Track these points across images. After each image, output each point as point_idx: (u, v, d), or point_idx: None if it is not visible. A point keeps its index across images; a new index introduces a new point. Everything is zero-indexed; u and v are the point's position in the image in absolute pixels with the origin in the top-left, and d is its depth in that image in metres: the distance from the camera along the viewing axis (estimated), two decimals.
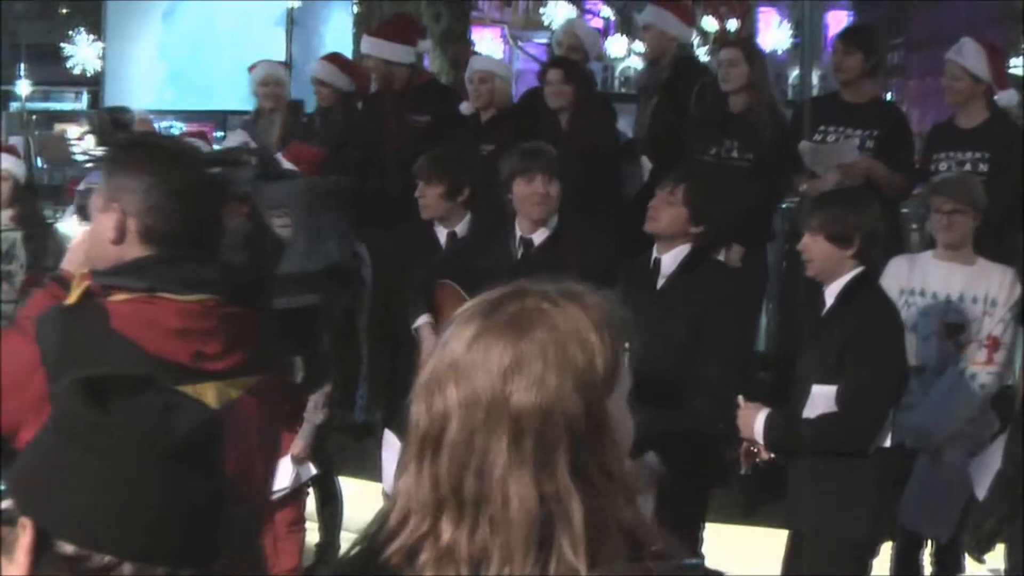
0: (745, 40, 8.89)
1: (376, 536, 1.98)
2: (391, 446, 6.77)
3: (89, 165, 16.35)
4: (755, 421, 5.21)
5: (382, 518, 2.00)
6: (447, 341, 1.96)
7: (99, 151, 3.79)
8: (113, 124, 4.52)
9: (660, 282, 5.75)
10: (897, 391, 5.37)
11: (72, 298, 3.08)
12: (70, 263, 3.35)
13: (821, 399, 5.15)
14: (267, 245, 5.54)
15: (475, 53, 11.37)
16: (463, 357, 1.91)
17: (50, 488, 1.87)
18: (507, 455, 1.85)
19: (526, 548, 1.84)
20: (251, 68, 9.81)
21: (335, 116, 9.13)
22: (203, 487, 1.92)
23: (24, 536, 1.87)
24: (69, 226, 3.48)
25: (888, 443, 5.29)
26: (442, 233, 6.91)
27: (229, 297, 3.19)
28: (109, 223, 3.14)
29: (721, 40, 9.96)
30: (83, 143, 4.46)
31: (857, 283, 5.31)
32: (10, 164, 8.27)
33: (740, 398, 5.30)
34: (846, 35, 7.94)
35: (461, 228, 6.89)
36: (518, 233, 6.26)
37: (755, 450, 5.33)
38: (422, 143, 8.04)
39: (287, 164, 7.67)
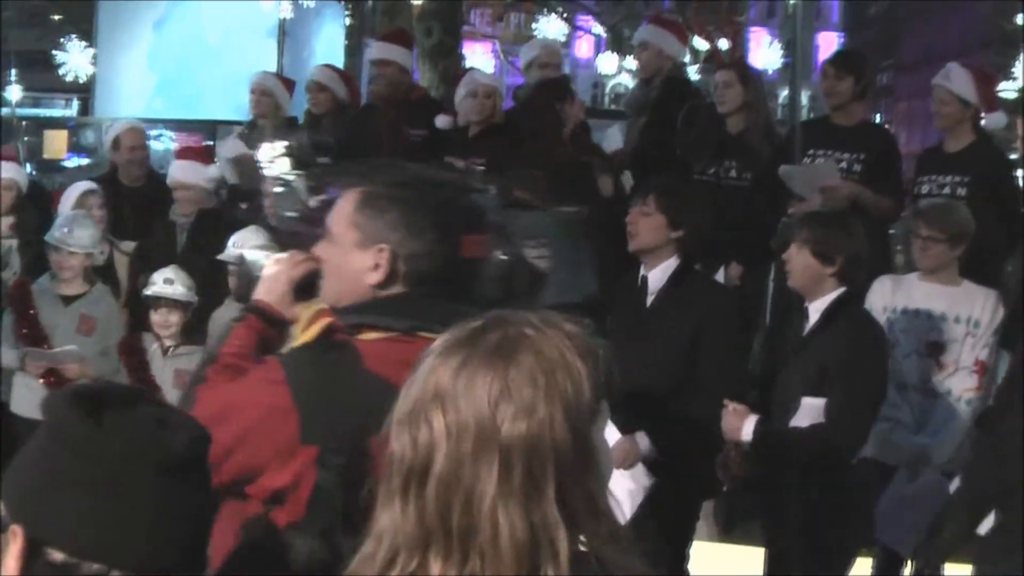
0: (739, 61, 8.93)
1: None
2: None
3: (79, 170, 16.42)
4: (744, 424, 5.26)
5: (365, 560, 1.92)
6: (427, 372, 1.90)
7: (293, 175, 3.73)
8: (313, 148, 4.50)
9: (649, 300, 5.79)
10: (879, 405, 5.50)
11: (309, 335, 2.96)
12: (269, 295, 3.22)
13: (811, 411, 5.22)
14: (524, 277, 5.34)
15: (469, 68, 11.32)
16: (449, 386, 1.87)
17: (42, 496, 1.89)
18: (496, 485, 1.81)
19: None
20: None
21: (323, 125, 9.10)
22: (195, 500, 1.94)
23: (14, 543, 1.88)
24: (256, 254, 3.30)
25: (869, 453, 5.39)
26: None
27: None
28: (367, 261, 2.98)
29: (716, 61, 9.97)
30: (275, 166, 4.47)
31: (840, 303, 5.41)
32: (14, 173, 8.26)
33: (727, 401, 5.34)
34: (836, 59, 7.95)
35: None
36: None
37: (733, 460, 5.41)
38: (416, 157, 8.08)
39: None
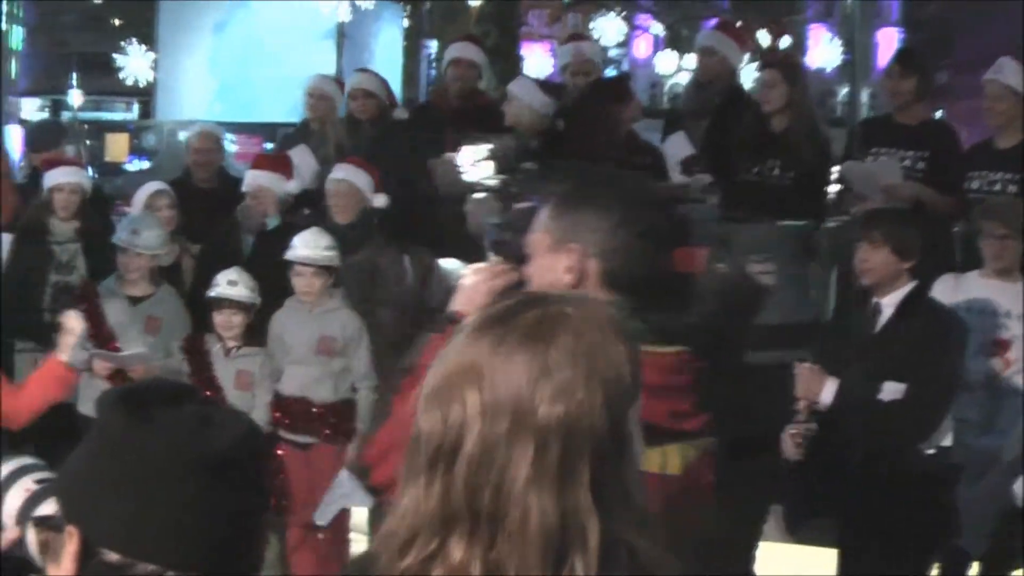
0: (785, 60, 8.86)
1: (379, 558, 1.84)
2: None
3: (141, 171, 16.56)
4: (824, 384, 5.26)
5: (387, 537, 1.85)
6: (461, 348, 1.83)
7: (496, 179, 3.66)
8: (518, 152, 4.47)
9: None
10: (955, 394, 5.55)
11: None
12: (467, 304, 3.10)
13: (892, 394, 5.23)
14: (745, 293, 5.16)
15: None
16: (485, 363, 1.79)
17: (92, 496, 1.88)
18: (530, 468, 1.73)
19: (542, 567, 1.73)
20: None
21: (365, 129, 9.07)
22: (246, 498, 1.91)
23: (70, 543, 1.88)
24: (451, 263, 3.22)
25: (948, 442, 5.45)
26: None
27: (700, 350, 2.92)
28: (563, 264, 2.88)
29: (763, 59, 9.92)
30: (478, 170, 4.44)
31: (914, 297, 5.46)
32: (79, 177, 8.32)
33: (799, 364, 5.35)
34: (902, 58, 7.92)
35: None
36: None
37: (800, 432, 5.39)
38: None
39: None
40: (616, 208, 2.89)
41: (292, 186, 8.10)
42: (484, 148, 3.55)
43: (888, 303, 5.47)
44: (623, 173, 3.17)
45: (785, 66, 8.33)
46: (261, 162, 8.47)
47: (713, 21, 18.29)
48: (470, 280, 3.21)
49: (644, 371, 2.65)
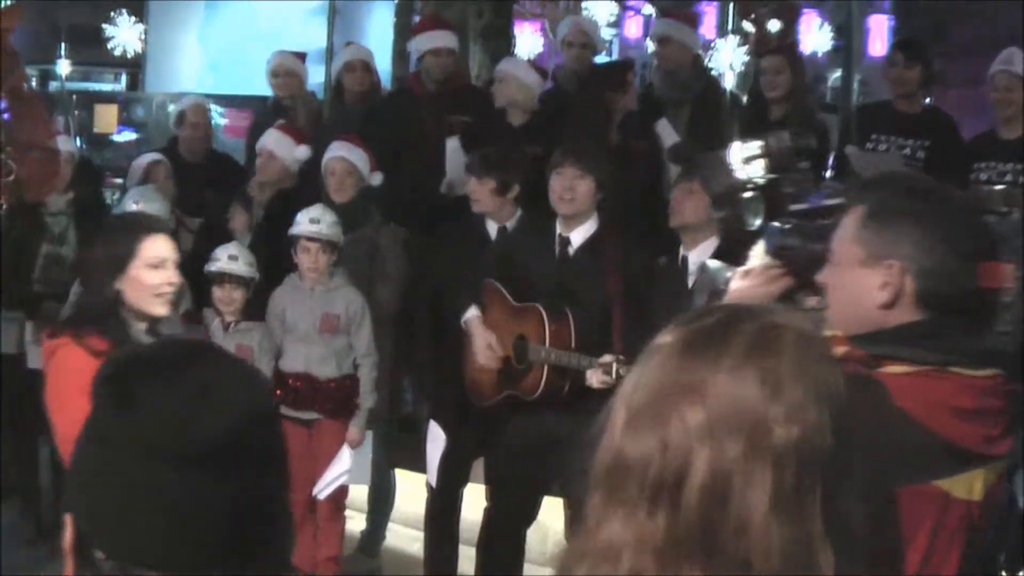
0: (789, 47, 8.85)
1: None
2: (436, 439, 6.80)
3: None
4: None
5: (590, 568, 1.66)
6: (671, 363, 1.67)
7: (766, 178, 3.56)
8: (794, 150, 4.39)
9: (690, 280, 5.83)
10: None
11: None
12: None
13: None
14: None
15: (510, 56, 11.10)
16: (708, 380, 1.63)
17: (79, 487, 1.76)
18: (770, 495, 1.58)
19: None
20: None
21: (349, 106, 9.01)
22: (246, 486, 1.72)
23: (67, 533, 1.76)
24: (717, 264, 3.03)
25: None
26: (493, 228, 6.94)
27: (1011, 371, 2.78)
28: (874, 280, 2.74)
29: (764, 46, 9.90)
30: (750, 168, 4.36)
31: None
32: (67, 146, 8.30)
33: None
34: (905, 47, 7.92)
35: (512, 224, 6.92)
36: (557, 231, 6.32)
37: None
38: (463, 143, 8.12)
39: None
40: (940, 223, 2.75)
41: (302, 152, 8.05)
42: (755, 145, 3.34)
43: None
44: (938, 184, 3.01)
45: (789, 52, 8.33)
46: (282, 128, 8.38)
47: (710, 2, 18.29)
48: (739, 284, 3.10)
49: (960, 395, 2.55)
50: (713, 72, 9.25)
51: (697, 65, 8.73)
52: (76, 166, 8.26)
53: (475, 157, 7.09)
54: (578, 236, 6.33)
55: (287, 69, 9.25)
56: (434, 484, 6.96)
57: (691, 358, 1.66)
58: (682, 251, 6.03)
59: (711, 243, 5.92)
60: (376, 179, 7.74)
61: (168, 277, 4.61)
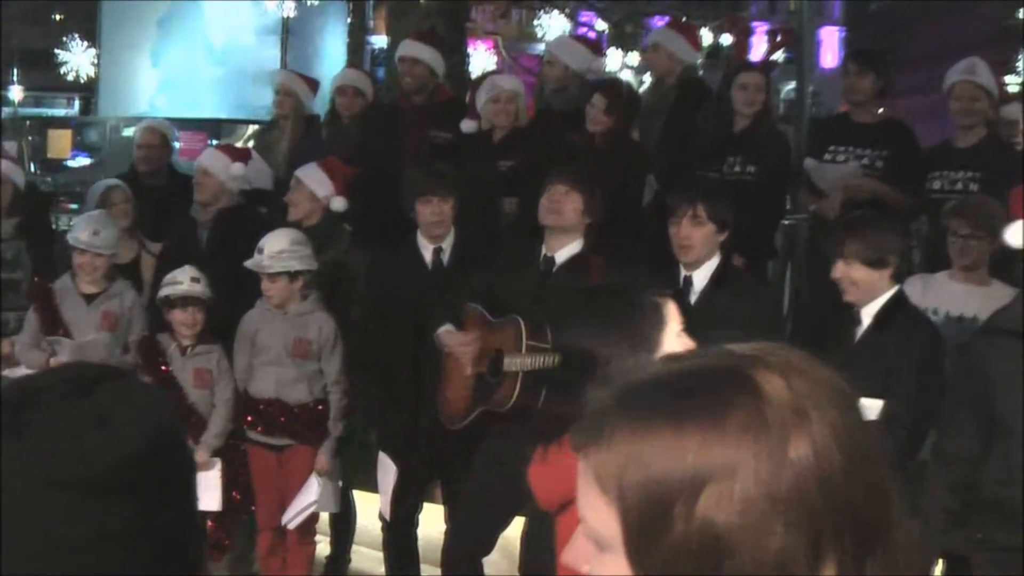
0: (768, 66, 8.91)
1: None
2: (387, 470, 6.73)
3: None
4: None
5: None
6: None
7: None
8: None
9: (693, 298, 5.80)
10: (940, 402, 5.38)
11: None
12: None
13: (869, 412, 5.18)
14: None
15: (491, 72, 11.20)
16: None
17: None
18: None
19: None
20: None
21: (346, 127, 9.07)
22: (129, 520, 1.63)
23: None
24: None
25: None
26: (427, 249, 6.85)
27: None
28: None
29: (741, 63, 9.90)
30: None
31: (894, 303, 5.42)
32: (8, 169, 8.24)
33: None
34: (858, 57, 7.93)
35: (447, 244, 6.85)
36: (543, 251, 6.29)
37: None
38: (442, 159, 8.11)
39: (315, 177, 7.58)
40: None
41: (236, 168, 7.99)
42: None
43: (867, 313, 5.44)
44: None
45: (766, 71, 8.34)
46: (221, 147, 8.45)
47: (662, 19, 18.34)
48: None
49: None
50: (699, 84, 9.18)
51: (682, 77, 8.73)
52: (22, 191, 8.21)
53: (420, 176, 7.05)
54: (562, 255, 6.30)
55: (286, 88, 9.28)
56: (388, 516, 6.85)
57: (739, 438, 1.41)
58: (683, 272, 5.97)
59: (713, 262, 5.89)
60: (337, 204, 7.68)
61: None
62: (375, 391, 7.00)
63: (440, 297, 6.47)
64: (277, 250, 6.89)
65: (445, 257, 6.82)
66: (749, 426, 1.39)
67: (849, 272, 5.39)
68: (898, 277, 5.45)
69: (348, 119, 9.02)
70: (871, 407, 5.15)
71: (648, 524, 1.40)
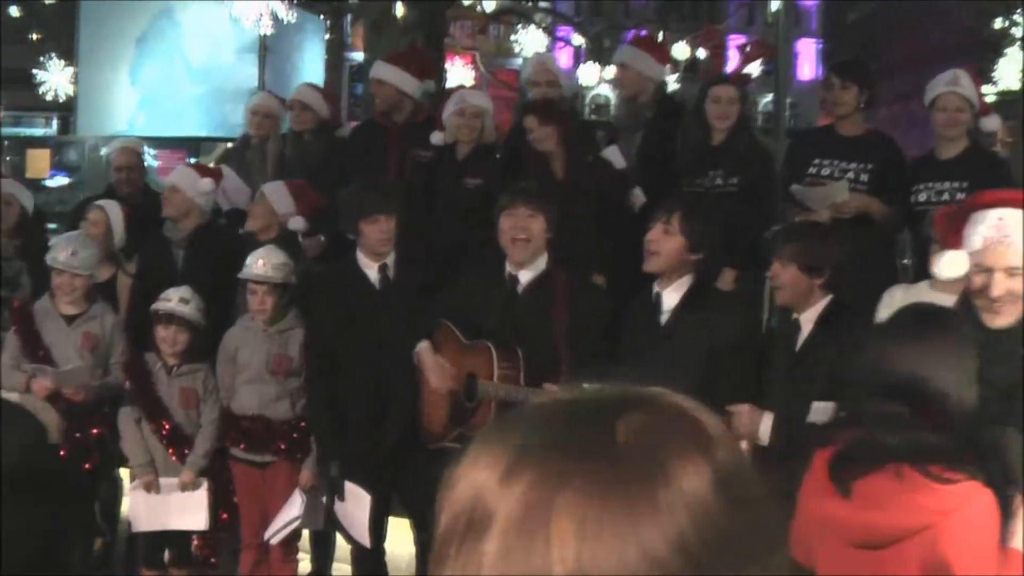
0: (741, 79, 8.86)
1: None
2: (360, 499, 6.62)
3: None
4: (760, 422, 5.24)
5: None
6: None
7: None
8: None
9: (663, 318, 5.80)
10: None
11: None
12: None
13: (821, 414, 5.20)
14: None
15: (459, 87, 11.22)
16: None
17: None
18: None
19: None
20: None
21: (308, 143, 9.08)
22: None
23: None
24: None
25: None
26: (371, 268, 6.81)
27: None
28: None
29: (715, 76, 9.87)
30: None
31: (832, 311, 5.48)
32: (16, 190, 8.24)
33: (731, 406, 5.30)
34: (841, 69, 7.88)
35: (389, 260, 6.82)
36: (507, 270, 6.29)
37: None
38: (422, 178, 8.10)
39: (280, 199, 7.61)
40: None
41: (205, 184, 7.97)
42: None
43: (806, 319, 5.51)
44: None
45: (741, 84, 8.32)
46: (192, 165, 8.47)
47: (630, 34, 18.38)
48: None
49: None
50: (673, 100, 9.17)
51: (657, 94, 8.71)
52: (30, 214, 8.22)
53: (365, 194, 6.99)
54: (526, 275, 6.29)
55: (267, 110, 9.26)
56: (368, 544, 6.74)
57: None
58: (656, 288, 5.96)
59: (685, 281, 5.88)
60: (296, 223, 7.68)
61: None
62: (332, 423, 6.86)
63: (403, 313, 6.44)
64: (275, 263, 6.93)
65: (390, 274, 6.80)
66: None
67: (782, 274, 5.50)
68: (831, 287, 5.49)
69: (303, 134, 9.13)
70: (823, 410, 5.18)
71: None
